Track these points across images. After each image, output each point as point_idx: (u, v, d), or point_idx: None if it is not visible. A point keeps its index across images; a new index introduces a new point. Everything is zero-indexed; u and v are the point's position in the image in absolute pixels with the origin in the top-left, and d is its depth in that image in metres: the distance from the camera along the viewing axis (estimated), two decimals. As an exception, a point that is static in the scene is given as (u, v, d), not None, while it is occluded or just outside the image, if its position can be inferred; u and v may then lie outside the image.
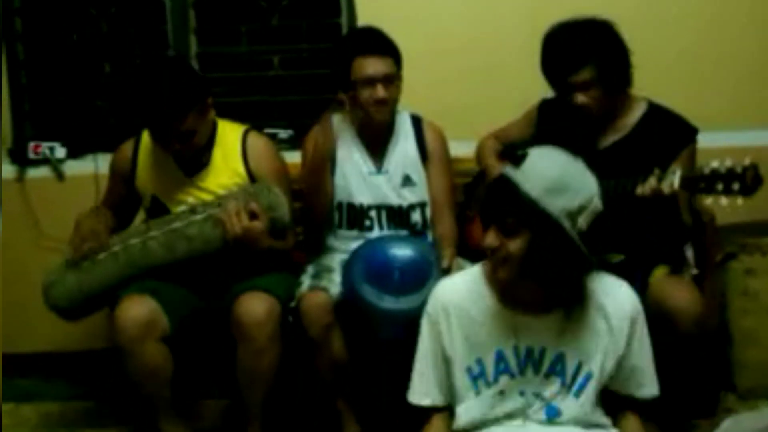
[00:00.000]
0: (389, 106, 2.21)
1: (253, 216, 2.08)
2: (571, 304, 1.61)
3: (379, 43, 2.20)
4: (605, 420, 1.67)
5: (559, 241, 1.49)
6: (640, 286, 2.07)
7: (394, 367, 1.81)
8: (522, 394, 1.64)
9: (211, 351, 2.31)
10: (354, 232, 2.29)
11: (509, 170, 1.54)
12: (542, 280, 1.55)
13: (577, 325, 1.62)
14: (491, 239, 1.53)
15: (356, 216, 2.29)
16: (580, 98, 2.05)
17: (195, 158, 2.21)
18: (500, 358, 1.64)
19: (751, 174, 1.84)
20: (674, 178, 1.92)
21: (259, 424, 2.19)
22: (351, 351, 2.15)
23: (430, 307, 1.70)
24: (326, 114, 2.25)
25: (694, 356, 2.12)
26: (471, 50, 2.71)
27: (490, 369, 1.64)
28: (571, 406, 1.63)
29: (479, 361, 1.65)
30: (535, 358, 1.63)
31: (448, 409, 1.68)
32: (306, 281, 2.20)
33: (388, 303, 2.02)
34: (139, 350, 2.07)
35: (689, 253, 2.23)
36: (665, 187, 1.92)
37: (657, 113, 2.15)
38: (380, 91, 2.17)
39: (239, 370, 2.13)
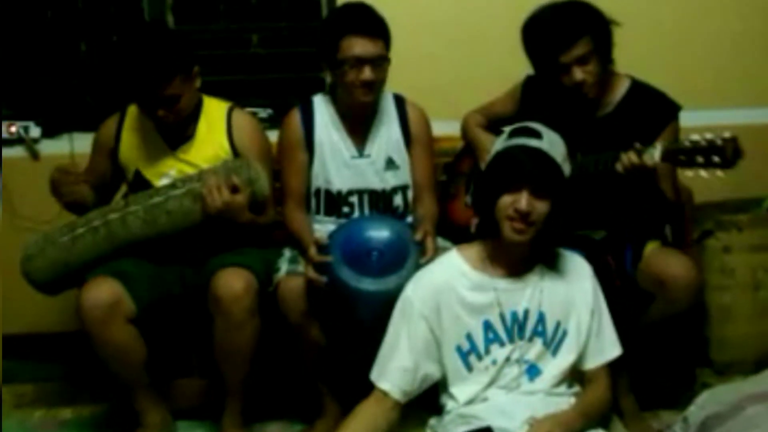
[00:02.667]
0: (375, 88, 2.17)
1: (234, 190, 2.08)
2: (547, 261, 1.78)
3: (371, 23, 2.15)
4: (578, 389, 1.78)
5: (566, 202, 1.71)
6: (632, 259, 2.09)
7: (374, 350, 1.81)
8: (509, 360, 1.74)
9: (189, 330, 2.29)
10: (332, 219, 2.27)
11: (532, 141, 1.68)
12: (546, 237, 1.73)
13: (552, 285, 1.77)
14: (526, 202, 1.66)
15: (334, 203, 2.27)
16: (579, 74, 2.04)
17: (179, 130, 2.21)
18: (488, 327, 1.74)
19: (731, 147, 1.85)
20: (655, 152, 1.93)
21: (238, 403, 2.19)
22: (331, 333, 2.15)
23: (414, 294, 1.76)
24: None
25: (673, 331, 2.15)
26: (454, 28, 2.71)
27: (480, 341, 1.74)
28: (550, 363, 1.75)
29: (468, 336, 1.74)
30: (520, 321, 1.74)
31: (395, 404, 1.74)
32: (283, 266, 2.19)
33: (367, 284, 2.01)
34: (105, 332, 2.06)
35: (667, 231, 2.25)
36: (647, 160, 1.93)
37: (640, 90, 2.16)
38: (367, 73, 2.12)
39: (216, 345, 2.12)
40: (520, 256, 1.75)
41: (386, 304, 1.86)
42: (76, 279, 2.15)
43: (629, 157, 1.95)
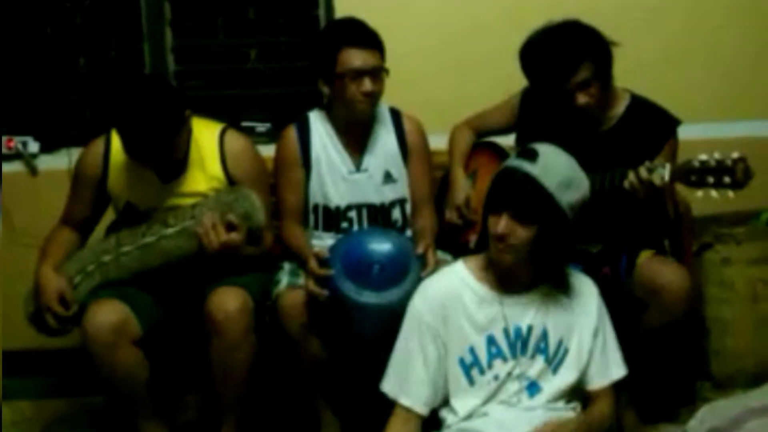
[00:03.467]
0: (374, 99, 2.18)
1: (230, 228, 2.03)
2: (554, 280, 1.77)
3: (367, 35, 2.16)
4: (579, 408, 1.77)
5: (563, 231, 1.67)
6: (626, 269, 2.10)
7: (375, 363, 1.80)
8: (510, 376, 1.73)
9: (187, 347, 2.28)
10: (330, 234, 2.26)
11: (524, 164, 1.65)
12: (540, 263, 1.72)
13: (556, 303, 1.76)
14: (504, 226, 1.65)
15: (332, 218, 2.27)
16: (582, 99, 2.04)
17: (171, 166, 2.13)
18: (491, 342, 1.73)
19: (742, 167, 1.86)
20: (664, 172, 1.93)
21: (234, 421, 2.17)
22: (331, 346, 2.14)
23: (421, 304, 1.76)
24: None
25: (673, 345, 2.15)
26: (449, 43, 2.71)
27: (483, 355, 1.73)
28: (550, 381, 1.74)
29: (471, 350, 1.73)
30: (524, 337, 1.74)
31: (419, 418, 1.74)
32: (284, 279, 2.18)
33: (368, 298, 2.01)
34: (112, 355, 2.03)
35: (666, 243, 2.25)
36: (656, 180, 1.94)
37: (640, 106, 2.17)
38: (368, 84, 2.12)
39: (213, 365, 2.10)
40: (521, 274, 1.74)
41: (387, 317, 1.86)
42: (77, 319, 2.10)
43: (639, 176, 1.95)
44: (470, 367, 1.73)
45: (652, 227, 2.17)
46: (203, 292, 2.11)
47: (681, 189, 2.11)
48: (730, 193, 1.88)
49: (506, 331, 1.73)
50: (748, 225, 2.53)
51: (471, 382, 1.73)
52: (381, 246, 2.11)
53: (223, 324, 2.04)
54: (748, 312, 2.47)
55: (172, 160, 2.10)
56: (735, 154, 1.87)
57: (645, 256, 2.11)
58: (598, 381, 1.78)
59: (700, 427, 1.67)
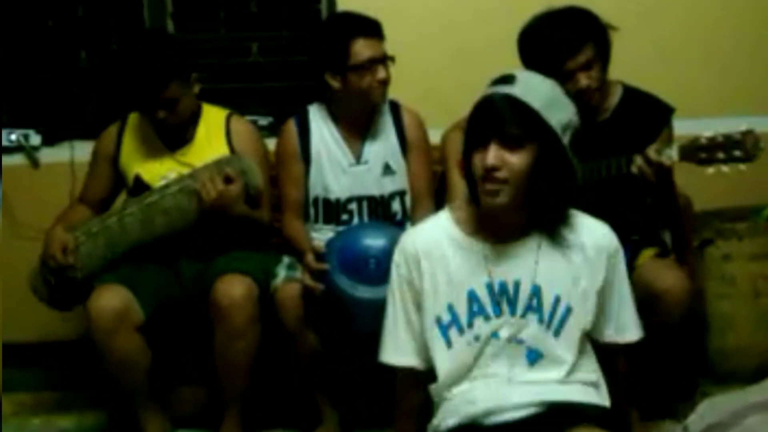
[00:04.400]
0: (386, 87, 2.21)
1: (227, 180, 2.09)
2: (550, 228, 1.55)
3: (373, 25, 2.20)
4: (594, 376, 1.56)
5: (559, 155, 1.48)
6: (628, 265, 2.09)
7: (372, 356, 1.80)
8: (497, 337, 1.53)
9: (189, 337, 2.29)
10: (330, 227, 2.27)
11: (504, 88, 1.48)
12: (537, 201, 1.50)
13: (552, 256, 1.54)
14: (494, 156, 1.45)
15: (332, 211, 2.27)
16: (584, 80, 2.03)
17: (179, 134, 2.23)
18: (473, 298, 1.53)
19: (751, 139, 1.83)
20: (672, 152, 1.91)
21: (237, 411, 2.18)
22: (328, 340, 2.14)
23: (398, 257, 1.60)
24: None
25: (673, 341, 2.14)
26: (450, 37, 2.71)
27: (462, 314, 1.54)
28: (552, 345, 1.52)
29: (450, 308, 1.54)
30: (510, 294, 1.53)
31: (422, 374, 1.59)
32: (281, 272, 2.19)
33: (363, 293, 2.01)
34: (114, 341, 2.05)
35: (667, 238, 2.24)
36: (665, 160, 1.90)
37: (634, 96, 2.17)
38: (382, 72, 2.17)
39: (217, 353, 2.11)
40: (513, 220, 1.53)
41: (382, 311, 1.85)
42: (82, 289, 2.14)
43: (647, 157, 1.92)
44: (448, 326, 1.53)
45: (651, 220, 2.16)
46: (207, 267, 2.14)
47: (680, 180, 2.09)
48: (742, 167, 1.84)
49: (489, 287, 1.52)
50: (749, 221, 2.52)
51: (448, 343, 1.53)
52: (377, 241, 2.09)
53: (228, 310, 2.05)
54: (749, 308, 2.47)
55: (179, 118, 2.16)
56: (743, 127, 1.85)
57: (644, 259, 2.10)
58: (608, 334, 1.59)
59: (700, 422, 1.66)
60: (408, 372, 1.60)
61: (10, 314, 2.50)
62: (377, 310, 1.92)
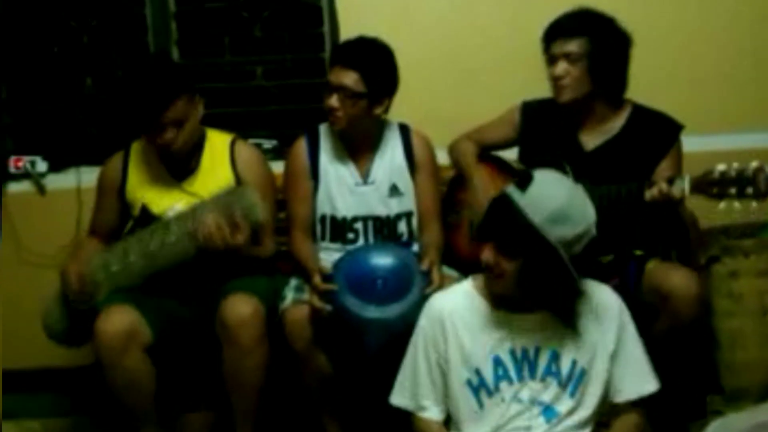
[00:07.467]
0: (340, 118, 2.18)
1: (234, 228, 2.05)
2: (555, 306, 1.70)
3: (349, 55, 2.19)
4: None
5: (552, 266, 1.59)
6: (635, 277, 2.09)
7: (381, 378, 1.80)
8: (519, 400, 1.67)
9: (196, 361, 2.28)
10: (337, 245, 2.27)
11: (514, 193, 1.60)
12: (529, 293, 1.66)
13: (568, 323, 1.69)
14: (488, 256, 1.62)
15: (339, 229, 2.28)
16: (559, 69, 2.06)
17: (184, 163, 2.22)
18: (498, 363, 1.69)
19: (763, 176, 1.85)
20: (684, 184, 1.93)
21: (249, 433, 2.17)
22: (337, 362, 2.14)
23: (425, 321, 1.74)
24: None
25: (683, 357, 2.13)
26: (453, 58, 2.72)
27: (489, 377, 1.69)
28: (568, 405, 1.67)
29: (477, 372, 1.69)
30: (531, 359, 1.68)
31: (438, 422, 1.72)
32: (289, 295, 2.19)
33: (371, 312, 2.01)
34: (121, 361, 2.05)
35: (673, 256, 2.24)
36: (676, 192, 1.93)
37: (642, 114, 2.18)
38: (331, 100, 2.16)
39: (226, 373, 2.10)
40: (518, 299, 1.69)
41: (390, 331, 1.85)
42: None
43: (659, 188, 1.95)
44: (478, 389, 1.69)
45: (664, 234, 2.16)
46: (214, 294, 2.13)
47: (693, 200, 2.09)
48: (754, 204, 1.86)
49: (512, 352, 1.68)
50: (756, 237, 2.51)
51: (480, 405, 1.69)
52: (385, 261, 2.11)
53: (236, 329, 2.04)
54: (757, 324, 2.45)
55: (184, 143, 2.15)
56: (754, 164, 1.86)
57: (653, 263, 2.11)
58: (624, 394, 1.72)
59: (713, 442, 1.66)
60: (426, 421, 1.73)
61: (16, 340, 2.50)
62: (385, 329, 1.93)
